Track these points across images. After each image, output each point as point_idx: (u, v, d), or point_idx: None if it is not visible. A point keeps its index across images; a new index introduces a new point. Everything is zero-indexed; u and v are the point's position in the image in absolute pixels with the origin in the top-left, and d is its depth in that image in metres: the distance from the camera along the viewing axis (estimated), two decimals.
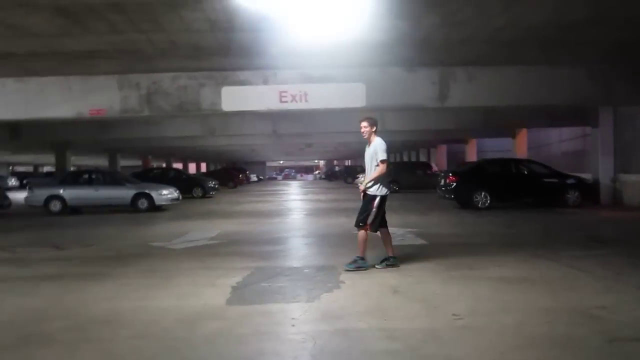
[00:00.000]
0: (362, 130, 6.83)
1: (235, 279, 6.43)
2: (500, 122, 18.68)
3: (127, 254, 8.81)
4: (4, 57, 8.21)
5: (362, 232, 6.82)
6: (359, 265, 6.77)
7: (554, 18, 7.15)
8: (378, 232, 6.97)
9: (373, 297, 5.47)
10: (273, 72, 10.08)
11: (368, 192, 6.78)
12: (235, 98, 10.14)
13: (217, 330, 4.42)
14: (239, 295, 5.68)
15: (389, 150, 6.76)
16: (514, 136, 23.25)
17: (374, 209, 6.72)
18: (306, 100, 10.13)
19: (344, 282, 6.17)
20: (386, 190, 6.83)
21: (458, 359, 3.67)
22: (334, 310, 4.98)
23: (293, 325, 4.54)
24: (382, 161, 6.62)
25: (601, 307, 4.92)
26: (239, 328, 4.48)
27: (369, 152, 6.82)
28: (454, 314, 4.73)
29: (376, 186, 6.73)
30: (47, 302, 5.63)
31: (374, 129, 6.82)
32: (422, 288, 5.84)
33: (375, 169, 6.71)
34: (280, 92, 10.14)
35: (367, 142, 6.87)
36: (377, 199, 6.72)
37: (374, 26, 7.30)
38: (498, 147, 28.50)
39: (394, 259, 6.95)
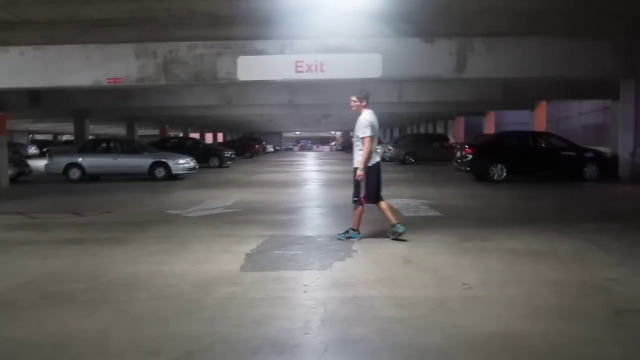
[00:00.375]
0: (352, 104, 6.82)
1: (250, 246, 6.54)
2: (520, 95, 18.43)
3: (144, 220, 8.97)
4: (24, 24, 8.27)
5: (356, 205, 6.84)
6: (350, 235, 6.83)
7: None
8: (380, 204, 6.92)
9: (384, 267, 5.54)
10: (290, 41, 10.03)
11: (354, 166, 6.76)
12: (251, 67, 10.14)
13: (231, 295, 4.53)
14: (252, 261, 5.80)
15: (374, 124, 6.70)
16: (533, 109, 22.95)
17: (366, 181, 6.71)
18: (322, 71, 10.08)
19: (356, 252, 6.25)
20: (375, 160, 6.80)
21: (466, 327, 3.74)
22: (345, 278, 5.07)
23: (305, 292, 4.64)
24: (363, 138, 6.59)
25: (611, 279, 4.94)
26: (252, 293, 4.59)
27: (356, 125, 6.81)
28: (464, 284, 4.79)
29: (360, 159, 6.66)
30: (66, 264, 5.81)
31: (363, 103, 6.78)
32: (434, 258, 5.90)
33: (359, 145, 6.68)
34: (297, 62, 10.11)
35: (358, 115, 6.84)
36: (361, 171, 6.68)
37: None
38: (517, 120, 28.15)
39: (400, 227, 6.87)
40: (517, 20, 8.67)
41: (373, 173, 6.80)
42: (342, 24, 9.03)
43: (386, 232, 7.05)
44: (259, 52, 10.18)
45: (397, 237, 6.76)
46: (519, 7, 7.78)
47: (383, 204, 6.96)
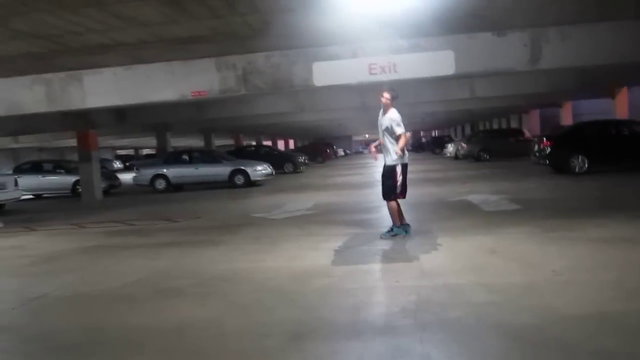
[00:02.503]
0: (384, 100, 6.92)
1: (337, 243, 6.83)
2: (596, 82, 17.78)
3: (232, 224, 9.47)
4: (118, 46, 8.95)
5: (392, 203, 6.97)
6: (395, 233, 6.95)
7: None
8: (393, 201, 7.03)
9: (470, 257, 5.67)
10: (361, 44, 10.24)
11: (387, 164, 6.87)
12: (326, 73, 10.42)
13: (327, 285, 4.83)
14: (341, 256, 6.09)
15: (404, 121, 6.87)
16: (613, 96, 22.03)
17: (399, 178, 6.84)
18: (395, 71, 10.22)
19: (441, 245, 6.40)
20: (405, 158, 6.92)
21: (558, 308, 3.85)
22: (433, 268, 5.25)
23: (397, 282, 4.86)
24: (400, 135, 6.71)
25: None
26: (347, 283, 4.87)
27: (383, 121, 6.91)
28: (553, 270, 4.86)
29: (395, 157, 6.78)
30: (170, 264, 6.31)
31: (393, 101, 6.94)
32: (520, 248, 5.96)
33: (391, 142, 6.80)
34: (370, 64, 10.29)
35: (384, 111, 6.96)
36: (399, 168, 6.82)
37: None
38: (596, 110, 27.05)
39: (400, 229, 6.98)
40: (591, 5, 8.52)
41: (404, 170, 6.94)
42: (412, 24, 9.16)
43: (466, 228, 7.17)
44: (332, 58, 10.45)
45: (391, 236, 6.88)
46: None
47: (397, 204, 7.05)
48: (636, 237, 6.19)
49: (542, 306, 3.91)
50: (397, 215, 7.03)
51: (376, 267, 5.49)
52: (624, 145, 15.46)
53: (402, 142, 6.73)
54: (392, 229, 7.04)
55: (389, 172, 6.89)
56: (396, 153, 6.71)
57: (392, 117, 6.86)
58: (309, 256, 6.21)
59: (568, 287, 4.37)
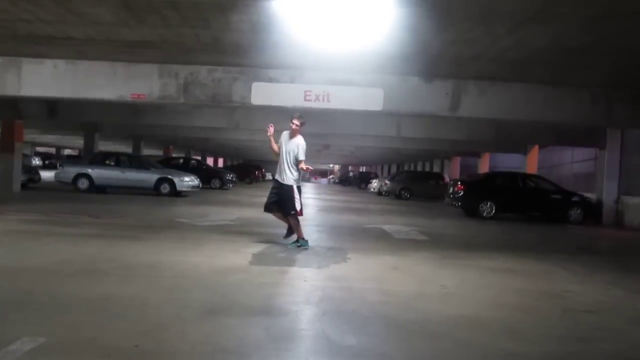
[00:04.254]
0: (294, 126, 7.70)
1: (256, 248, 7.35)
2: (511, 137, 19.39)
3: (156, 225, 9.76)
4: (64, 40, 9.16)
5: (295, 219, 7.74)
6: (300, 244, 7.68)
7: (556, 43, 7.93)
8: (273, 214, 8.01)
9: (375, 270, 6.34)
10: (300, 72, 10.95)
11: (287, 184, 7.66)
12: (263, 93, 11.02)
13: (243, 278, 5.33)
14: (259, 259, 6.61)
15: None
16: (525, 153, 23.92)
17: (297, 196, 7.65)
18: (329, 100, 10.97)
19: (350, 259, 7.05)
20: (300, 181, 7.84)
21: (439, 310, 4.53)
22: (340, 275, 5.87)
23: (305, 281, 5.44)
24: (301, 161, 7.58)
25: (568, 291, 5.75)
26: (260, 278, 5.39)
27: (289, 145, 7.68)
28: (442, 285, 5.60)
29: (295, 179, 7.66)
30: (96, 250, 6.59)
31: (300, 128, 7.76)
32: (418, 268, 6.70)
33: (292, 165, 7.62)
34: (306, 91, 10.99)
35: (290, 136, 7.73)
36: (296, 188, 7.66)
37: (393, 39, 8.14)
38: (511, 164, 29.10)
39: (305, 242, 7.76)
40: (505, 67, 9.60)
41: (301, 190, 7.83)
42: (349, 60, 9.95)
43: (375, 249, 7.89)
44: (271, 80, 11.09)
45: (297, 247, 7.61)
46: (506, 56, 8.71)
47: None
48: (517, 268, 7.08)
49: (427, 308, 4.58)
50: (300, 229, 7.76)
51: (289, 269, 6.05)
52: (530, 197, 16.96)
53: (302, 165, 7.57)
54: (298, 241, 7.71)
55: (288, 192, 7.63)
56: (296, 174, 7.62)
57: (299, 143, 7.65)
58: (229, 256, 6.67)
59: (452, 297, 5.09)
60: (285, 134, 7.83)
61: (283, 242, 7.79)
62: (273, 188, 7.89)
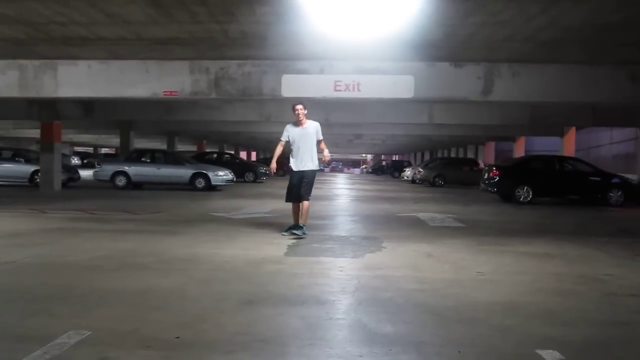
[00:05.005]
0: (300, 112, 7.80)
1: (290, 240, 7.40)
2: (547, 120, 18.99)
3: (192, 219, 9.92)
4: (97, 41, 9.36)
5: (308, 203, 7.84)
6: (303, 230, 7.75)
7: (591, 20, 7.72)
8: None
9: (409, 258, 6.32)
10: (329, 62, 10.93)
11: (312, 169, 7.84)
12: (293, 85, 11.06)
13: (278, 269, 5.40)
14: (294, 250, 6.66)
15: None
16: (562, 136, 23.43)
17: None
18: (359, 90, 10.94)
19: (385, 247, 7.05)
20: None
21: (474, 297, 4.51)
22: (375, 263, 5.88)
23: (341, 270, 5.47)
24: (321, 140, 7.83)
25: (609, 274, 5.64)
26: (296, 269, 5.44)
27: (306, 132, 7.78)
28: (477, 272, 5.56)
29: (317, 162, 7.90)
30: (135, 245, 6.75)
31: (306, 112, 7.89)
32: (454, 255, 6.65)
33: (314, 149, 7.78)
34: (335, 82, 10.98)
35: (299, 124, 7.82)
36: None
37: (421, 24, 8.04)
38: (547, 147, 28.60)
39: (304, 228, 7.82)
40: (539, 48, 9.39)
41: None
42: (377, 48, 9.89)
43: (409, 237, 7.84)
44: (300, 72, 11.11)
45: (297, 237, 7.62)
46: (540, 36, 8.53)
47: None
48: (555, 253, 6.97)
49: (462, 295, 4.56)
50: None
51: (324, 259, 6.08)
52: (567, 180, 16.60)
53: (323, 144, 7.85)
54: (302, 227, 7.78)
55: (313, 177, 7.89)
56: (324, 157, 7.86)
57: (315, 125, 7.87)
58: (264, 248, 6.75)
59: (487, 284, 5.05)
60: (290, 125, 7.93)
61: (287, 235, 7.75)
62: (297, 181, 7.83)
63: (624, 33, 8.35)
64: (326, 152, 7.96)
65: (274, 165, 8.26)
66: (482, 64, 10.73)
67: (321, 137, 7.87)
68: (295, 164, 7.89)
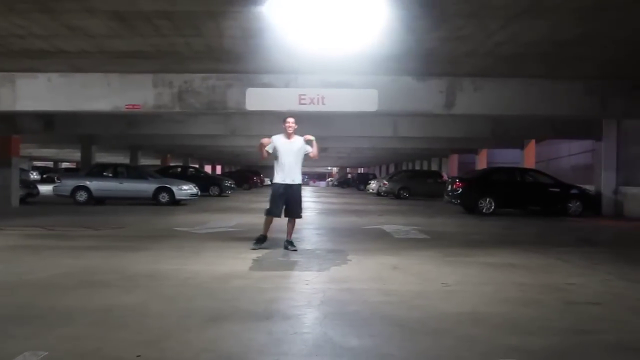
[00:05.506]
0: (291, 126, 7.78)
1: (256, 254, 7.34)
2: (508, 133, 19.44)
3: (155, 235, 9.76)
4: (57, 54, 9.19)
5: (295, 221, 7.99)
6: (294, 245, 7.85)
7: (550, 36, 7.97)
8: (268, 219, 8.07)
9: (375, 271, 6.33)
10: (294, 76, 10.99)
11: (298, 183, 7.85)
12: (258, 99, 11.06)
13: (244, 284, 5.33)
14: (259, 264, 6.60)
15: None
16: (522, 147, 23.97)
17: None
18: (323, 103, 11.01)
19: (351, 260, 7.05)
20: None
21: (440, 308, 4.53)
22: (340, 277, 5.87)
23: (306, 284, 5.43)
24: (311, 152, 7.90)
25: (570, 284, 5.76)
26: (262, 284, 5.39)
27: (294, 146, 7.78)
28: (442, 283, 5.60)
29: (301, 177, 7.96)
30: (95, 262, 6.59)
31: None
32: (419, 267, 6.69)
33: (300, 163, 7.83)
34: (300, 95, 11.04)
35: (288, 137, 7.80)
36: None
37: (386, 39, 8.18)
38: (508, 159, 29.15)
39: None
40: (500, 63, 9.64)
41: None
42: (342, 62, 9.99)
43: (375, 250, 7.86)
44: (265, 85, 11.13)
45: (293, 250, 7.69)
46: (500, 51, 8.75)
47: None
48: (519, 263, 7.09)
49: (428, 306, 4.58)
50: None
51: (290, 273, 6.05)
52: (528, 192, 16.98)
53: (315, 152, 7.93)
54: (292, 243, 7.87)
55: (299, 192, 7.93)
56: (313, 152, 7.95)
57: (302, 140, 7.84)
58: (229, 263, 6.67)
59: (453, 295, 5.09)
60: (278, 137, 7.82)
61: (290, 250, 7.73)
62: (281, 194, 7.73)
63: (581, 48, 8.64)
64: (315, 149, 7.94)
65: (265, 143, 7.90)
66: (445, 78, 10.94)
67: (310, 149, 7.87)
68: (281, 177, 7.73)
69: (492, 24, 7.52)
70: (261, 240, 7.83)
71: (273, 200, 7.79)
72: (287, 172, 7.71)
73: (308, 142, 7.84)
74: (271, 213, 7.86)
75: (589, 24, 7.52)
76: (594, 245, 9.73)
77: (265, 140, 7.82)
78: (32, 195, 19.87)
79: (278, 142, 7.77)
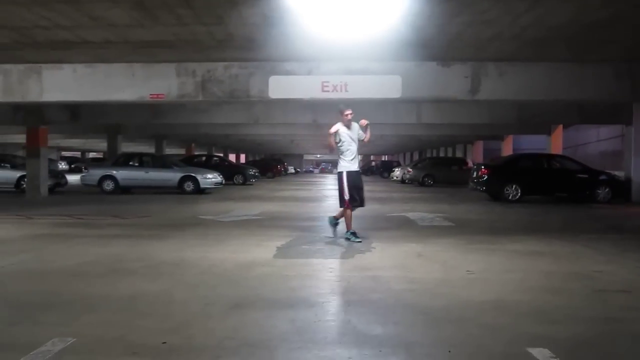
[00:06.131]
0: (350, 117, 7.66)
1: (279, 242, 7.36)
2: (534, 118, 19.12)
3: (180, 223, 9.85)
4: (82, 45, 9.29)
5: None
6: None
7: (576, 18, 7.79)
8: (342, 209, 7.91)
9: (399, 258, 6.30)
10: (317, 63, 10.93)
11: (359, 170, 7.90)
12: (281, 86, 11.05)
13: (267, 272, 5.35)
14: (283, 252, 6.62)
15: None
16: (549, 133, 23.57)
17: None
18: (346, 90, 10.94)
19: (375, 248, 7.02)
20: None
21: (464, 296, 4.49)
22: (364, 264, 5.85)
23: (330, 272, 5.44)
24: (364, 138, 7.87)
25: (598, 271, 5.64)
26: (285, 271, 5.40)
27: (354, 133, 7.73)
28: (467, 270, 5.54)
29: None
30: (121, 250, 6.68)
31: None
32: (443, 254, 6.63)
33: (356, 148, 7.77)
34: (323, 82, 10.99)
35: (349, 126, 7.69)
36: None
37: (408, 24, 8.07)
38: (535, 146, 28.73)
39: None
40: (525, 47, 9.45)
41: None
42: (365, 49, 9.90)
43: (399, 237, 7.81)
44: (288, 73, 11.10)
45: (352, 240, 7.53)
46: (526, 35, 8.58)
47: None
48: (545, 251, 6.98)
49: (452, 294, 4.54)
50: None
51: (313, 261, 6.04)
52: (555, 178, 16.68)
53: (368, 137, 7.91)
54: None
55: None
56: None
57: (358, 128, 7.78)
58: (253, 251, 6.70)
59: (477, 282, 5.04)
60: (340, 126, 7.72)
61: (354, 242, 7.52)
62: (355, 180, 7.71)
63: (608, 31, 8.42)
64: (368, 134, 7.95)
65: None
66: (470, 63, 10.78)
67: (363, 135, 7.85)
68: (351, 164, 7.73)
69: (518, 7, 7.36)
70: (355, 235, 7.65)
71: (352, 189, 7.67)
72: (354, 159, 7.77)
73: (361, 128, 7.81)
74: (354, 203, 7.73)
75: (616, 5, 7.32)
76: (623, 232, 9.52)
77: (332, 130, 7.76)
78: (61, 185, 20.25)
79: (342, 131, 7.73)
